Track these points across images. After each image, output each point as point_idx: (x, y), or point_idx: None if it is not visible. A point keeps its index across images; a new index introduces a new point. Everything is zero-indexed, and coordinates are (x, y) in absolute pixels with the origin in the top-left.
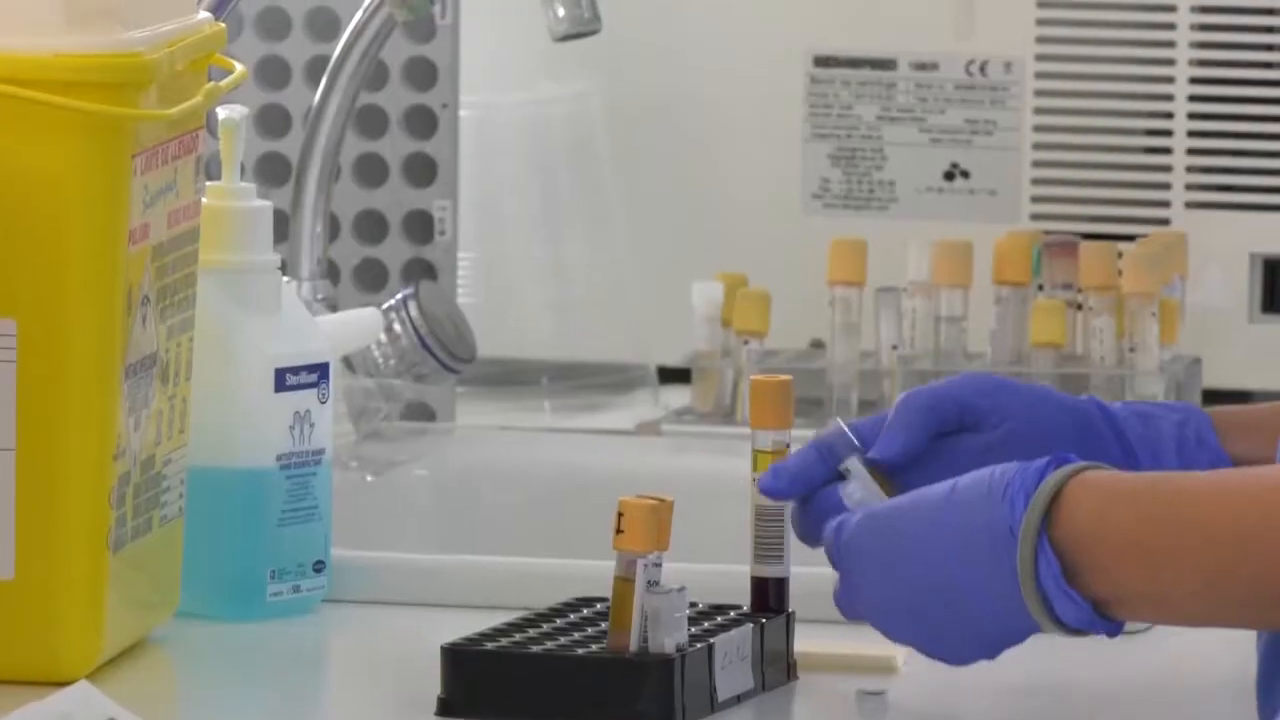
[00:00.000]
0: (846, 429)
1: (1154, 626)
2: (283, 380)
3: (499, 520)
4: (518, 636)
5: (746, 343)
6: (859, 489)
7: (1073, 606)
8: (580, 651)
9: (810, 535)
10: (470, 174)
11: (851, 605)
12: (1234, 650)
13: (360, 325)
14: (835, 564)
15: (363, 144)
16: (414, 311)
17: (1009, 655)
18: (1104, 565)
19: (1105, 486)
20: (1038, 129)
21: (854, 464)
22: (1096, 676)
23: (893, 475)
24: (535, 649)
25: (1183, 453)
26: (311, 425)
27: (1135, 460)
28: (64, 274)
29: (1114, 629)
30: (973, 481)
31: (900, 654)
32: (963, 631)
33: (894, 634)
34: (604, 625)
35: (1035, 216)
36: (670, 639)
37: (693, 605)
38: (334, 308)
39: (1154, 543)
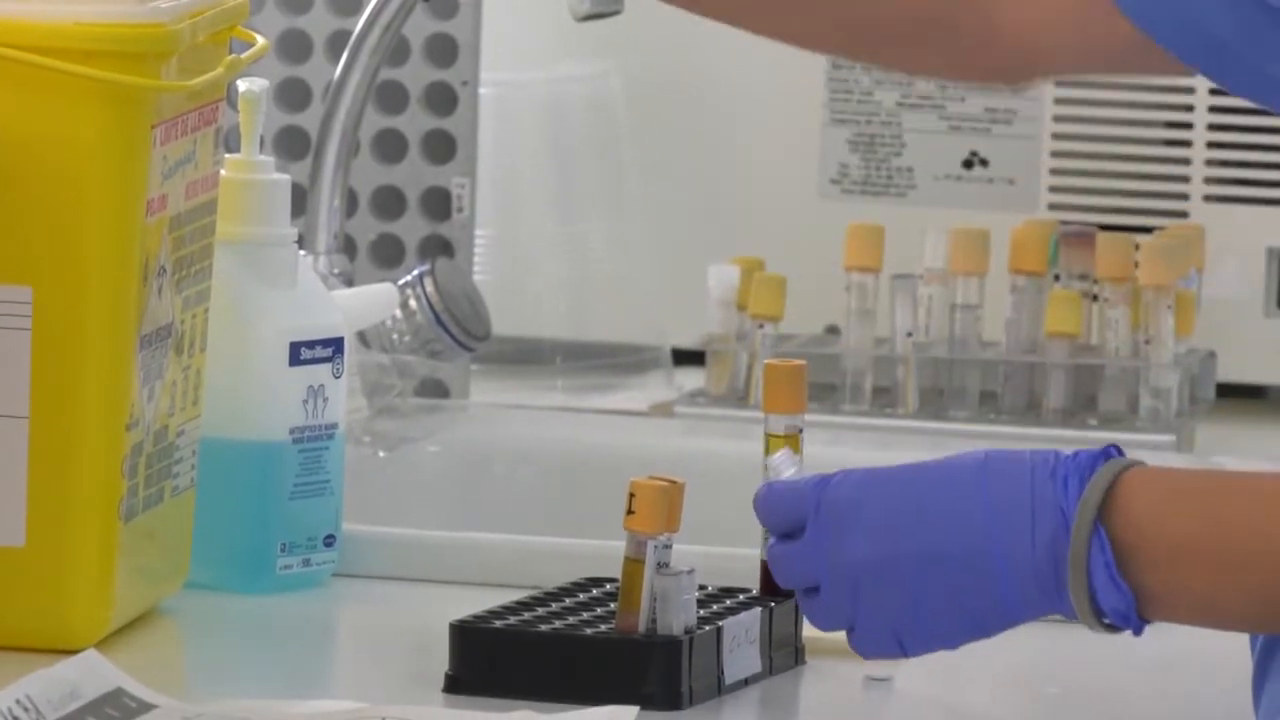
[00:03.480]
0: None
1: None
2: (297, 354)
3: (510, 498)
4: (526, 615)
5: (761, 326)
6: (789, 462)
7: (1117, 596)
8: (588, 631)
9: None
10: (489, 152)
11: (814, 564)
12: (1231, 644)
13: (376, 301)
14: (804, 522)
15: (382, 119)
16: (430, 288)
17: (1012, 645)
18: (1157, 562)
19: (1164, 483)
20: (1057, 119)
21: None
22: (1099, 666)
23: None
24: (544, 628)
25: None
26: (325, 399)
27: None
28: (81, 243)
29: (1141, 628)
30: (1009, 456)
31: None
32: (948, 606)
33: (857, 602)
34: (613, 606)
35: (1053, 206)
36: (679, 621)
37: (702, 587)
38: (350, 283)
39: (1213, 545)
